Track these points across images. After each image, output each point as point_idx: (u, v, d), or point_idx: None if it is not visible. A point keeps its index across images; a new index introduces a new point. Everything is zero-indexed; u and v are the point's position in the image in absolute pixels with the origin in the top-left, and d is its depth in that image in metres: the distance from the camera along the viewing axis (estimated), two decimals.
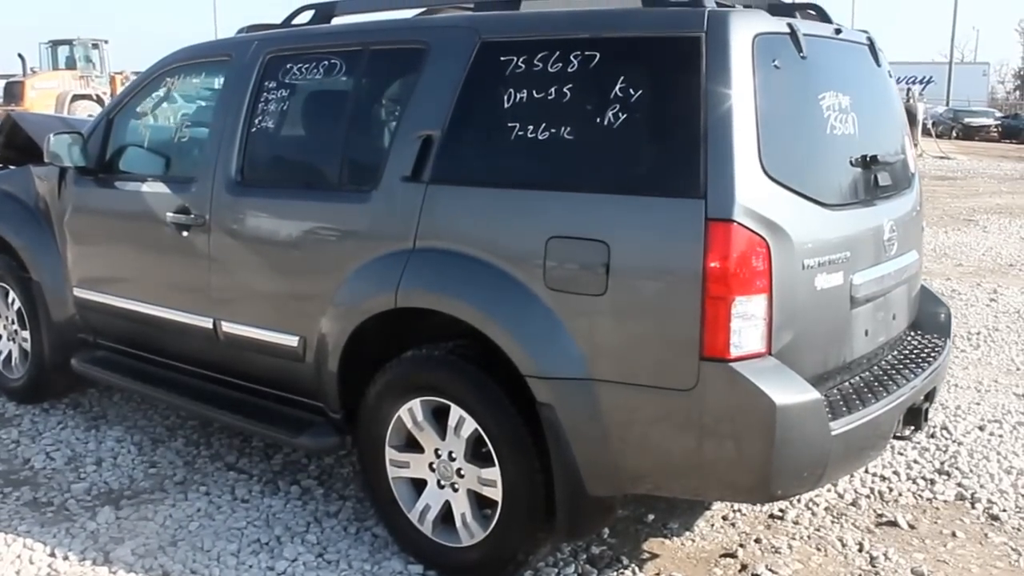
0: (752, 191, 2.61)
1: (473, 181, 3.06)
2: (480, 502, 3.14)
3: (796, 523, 3.68)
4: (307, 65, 3.57)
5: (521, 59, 2.97)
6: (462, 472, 3.14)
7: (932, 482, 4.02)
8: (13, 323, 4.89)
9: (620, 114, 2.75)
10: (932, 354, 3.42)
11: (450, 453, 3.16)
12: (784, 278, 2.68)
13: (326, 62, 3.53)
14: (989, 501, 3.85)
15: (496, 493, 3.04)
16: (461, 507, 3.15)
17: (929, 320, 3.70)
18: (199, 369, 4.05)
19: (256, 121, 3.69)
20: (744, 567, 3.37)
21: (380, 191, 3.25)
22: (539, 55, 2.93)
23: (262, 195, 3.67)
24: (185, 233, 3.86)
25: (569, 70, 2.86)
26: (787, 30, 2.90)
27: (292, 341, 3.54)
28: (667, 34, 2.76)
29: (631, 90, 2.74)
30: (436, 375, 3.11)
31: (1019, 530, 3.63)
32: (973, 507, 3.82)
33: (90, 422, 4.69)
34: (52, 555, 3.43)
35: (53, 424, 4.66)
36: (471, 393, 3.02)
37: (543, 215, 2.87)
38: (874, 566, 3.36)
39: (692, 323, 2.62)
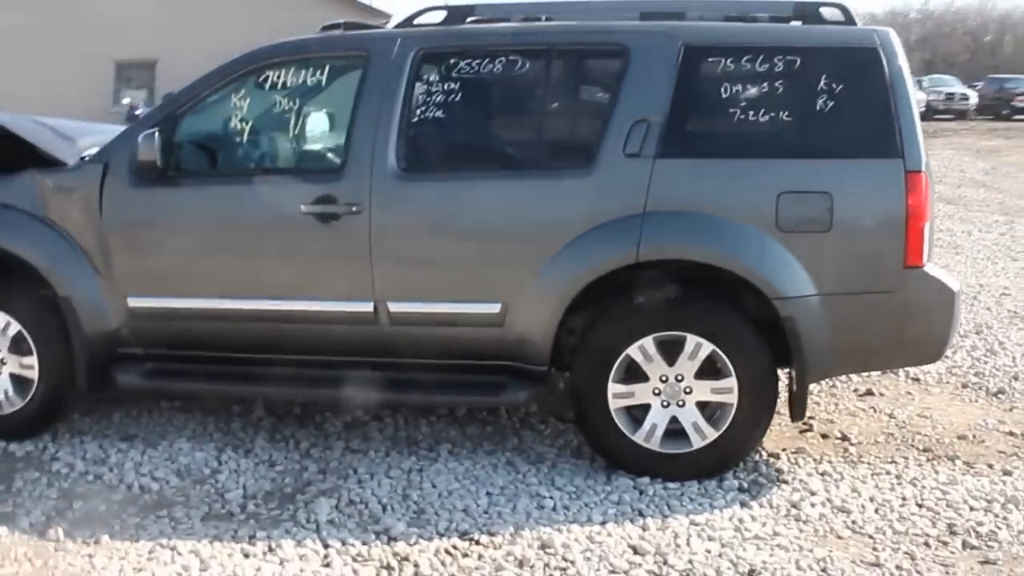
0: (925, 150, 3.78)
1: (702, 155, 3.82)
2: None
3: (817, 403, 4.93)
4: (479, 61, 3.93)
5: (728, 60, 3.80)
6: (689, 389, 3.85)
7: None
8: None
9: (829, 101, 3.74)
10: None
11: (676, 376, 3.86)
12: (933, 208, 3.91)
13: (503, 59, 3.92)
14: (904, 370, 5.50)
15: (730, 397, 3.82)
16: (690, 418, 3.86)
17: None
18: (325, 356, 4.09)
19: (418, 112, 3.94)
20: (825, 436, 4.53)
21: (600, 167, 3.81)
22: (744, 57, 3.80)
23: (445, 179, 3.96)
24: (333, 223, 3.93)
25: (776, 70, 3.78)
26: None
27: (493, 308, 3.89)
28: (854, 45, 3.82)
29: (834, 84, 3.75)
30: (680, 313, 3.81)
31: (939, 383, 5.28)
32: (897, 375, 5.42)
33: (141, 441, 4.30)
34: (327, 545, 3.42)
35: (98, 453, 4.19)
36: (715, 323, 3.79)
37: (773, 177, 3.75)
38: (895, 417, 4.73)
39: (898, 243, 3.71)
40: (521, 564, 3.31)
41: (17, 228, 4.14)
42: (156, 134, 3.93)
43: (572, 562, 3.32)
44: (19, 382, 4.25)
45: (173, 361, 4.24)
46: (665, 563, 3.31)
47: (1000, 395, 5.09)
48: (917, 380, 5.34)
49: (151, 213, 4.11)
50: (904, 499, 3.81)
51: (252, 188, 4.03)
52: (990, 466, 4.16)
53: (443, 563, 3.32)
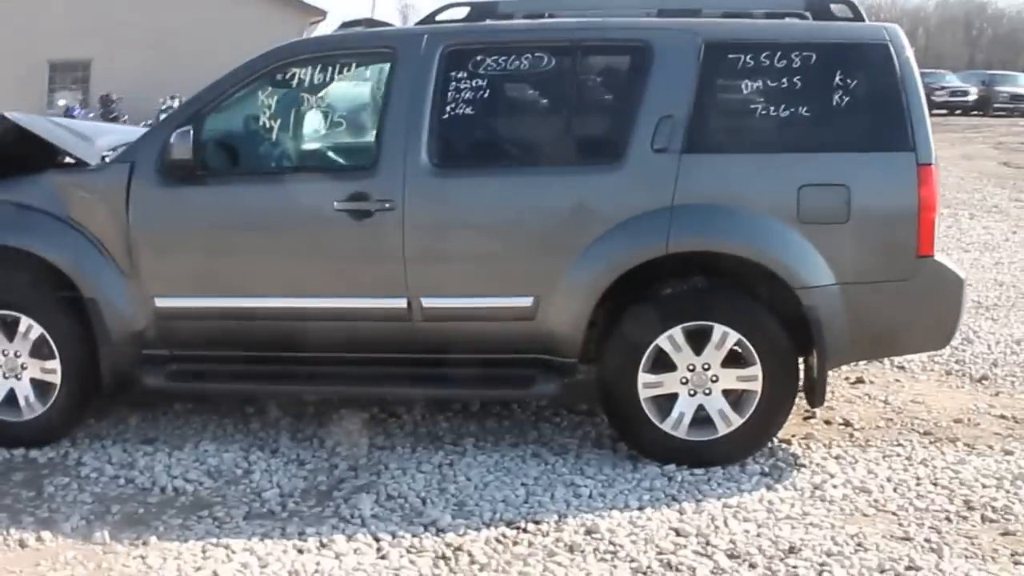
0: (933, 144, 3.99)
1: (726, 149, 3.98)
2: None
3: None
4: (506, 58, 4.00)
5: (748, 56, 3.94)
6: (715, 378, 3.99)
7: None
8: (18, 356, 4.19)
9: (844, 96, 3.91)
10: None
11: (703, 365, 4.00)
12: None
13: (529, 55, 4.00)
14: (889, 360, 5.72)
15: (754, 385, 3.97)
16: (717, 405, 4.01)
17: None
18: (357, 353, 4.13)
19: (448, 108, 4.00)
20: (828, 422, 4.72)
21: (629, 162, 3.93)
22: (763, 54, 3.94)
23: (476, 175, 4.03)
24: (365, 219, 3.98)
25: (794, 66, 3.93)
26: None
27: (525, 302, 3.99)
28: (866, 41, 3.99)
29: (849, 79, 3.92)
30: (710, 303, 3.96)
31: (924, 371, 5.51)
32: (882, 362, 5.66)
33: (165, 444, 4.28)
34: (377, 539, 3.48)
35: (124, 456, 4.17)
36: (742, 312, 3.94)
37: (794, 170, 3.91)
38: (890, 403, 4.92)
39: (911, 233, 3.90)
40: (571, 549, 3.41)
41: (40, 229, 4.10)
42: (183, 134, 3.92)
43: (620, 546, 3.43)
44: (40, 387, 4.20)
45: (199, 362, 4.24)
46: (708, 543, 3.45)
47: (984, 381, 5.34)
48: (903, 368, 5.57)
49: (180, 212, 4.11)
50: (919, 478, 4.01)
51: (283, 185, 4.08)
52: (990, 447, 4.38)
53: (496, 551, 3.40)
